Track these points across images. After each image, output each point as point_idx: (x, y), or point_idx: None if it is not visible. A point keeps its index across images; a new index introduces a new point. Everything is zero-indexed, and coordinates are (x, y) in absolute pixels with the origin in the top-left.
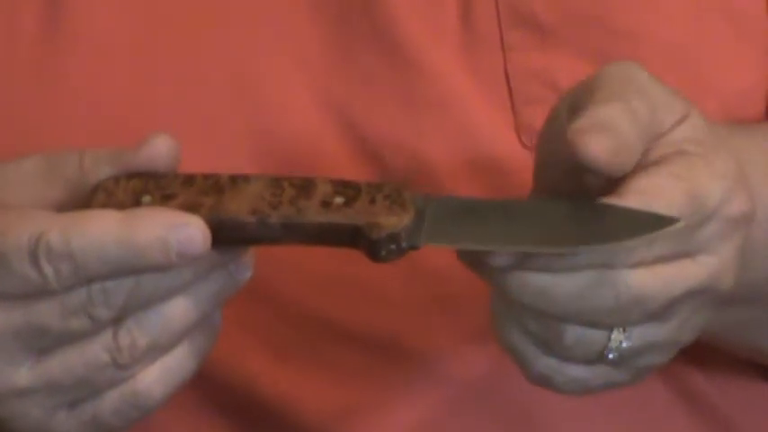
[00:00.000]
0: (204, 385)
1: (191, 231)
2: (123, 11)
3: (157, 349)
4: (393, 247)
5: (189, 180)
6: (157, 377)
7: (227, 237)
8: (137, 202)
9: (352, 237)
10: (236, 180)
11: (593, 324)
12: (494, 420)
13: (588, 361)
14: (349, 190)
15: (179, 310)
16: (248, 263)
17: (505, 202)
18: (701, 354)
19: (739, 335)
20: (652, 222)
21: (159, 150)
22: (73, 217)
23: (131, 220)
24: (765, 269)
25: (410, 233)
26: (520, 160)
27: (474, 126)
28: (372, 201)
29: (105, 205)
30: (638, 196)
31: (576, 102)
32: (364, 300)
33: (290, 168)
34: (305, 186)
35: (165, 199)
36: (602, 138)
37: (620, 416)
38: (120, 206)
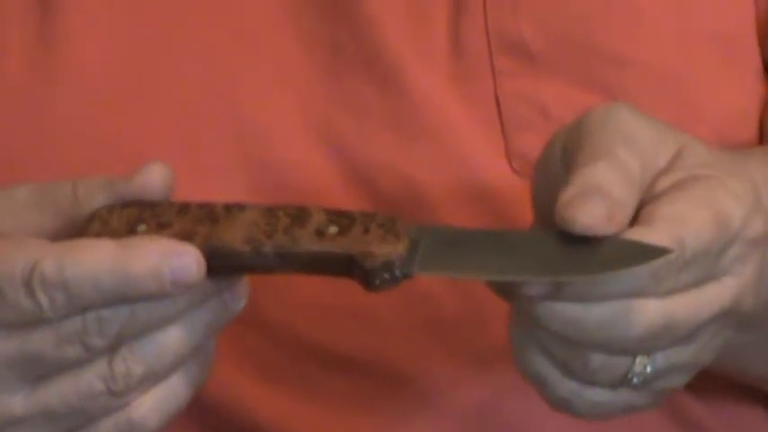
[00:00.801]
0: (195, 409)
1: (185, 260)
2: (113, 39)
3: (152, 378)
4: (387, 276)
5: (184, 209)
6: (152, 406)
7: (221, 265)
8: (132, 231)
9: (347, 266)
10: (230, 209)
11: (619, 351)
12: None
13: (611, 385)
14: (343, 219)
15: (174, 338)
16: (243, 292)
17: (500, 231)
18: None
19: (736, 361)
20: (645, 253)
21: (153, 179)
22: (67, 246)
23: (126, 249)
24: None
25: (404, 262)
26: (511, 186)
27: (465, 152)
28: (366, 230)
29: (100, 234)
30: (667, 224)
31: (567, 144)
32: (357, 326)
33: (283, 196)
34: (299, 216)
35: (161, 227)
36: (593, 206)
37: None
38: (115, 235)
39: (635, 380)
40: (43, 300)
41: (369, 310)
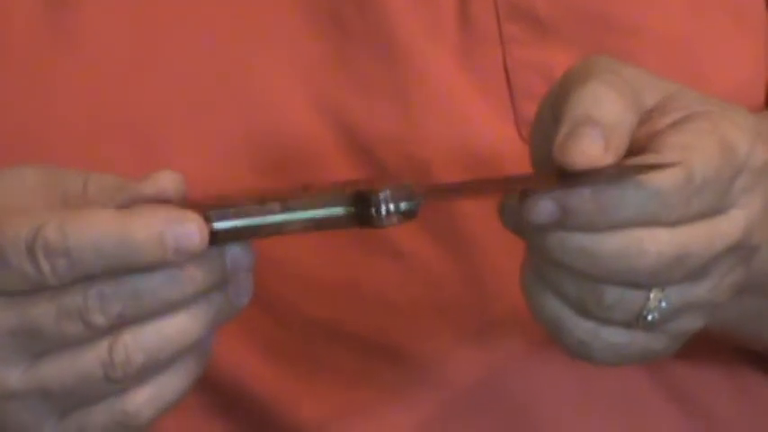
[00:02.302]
0: (201, 387)
1: (188, 227)
2: (121, 15)
3: (151, 368)
4: (392, 206)
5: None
6: (147, 398)
7: (226, 230)
8: None
9: (353, 208)
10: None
11: (633, 284)
12: (491, 423)
13: (627, 324)
14: (345, 184)
15: (176, 329)
16: (246, 288)
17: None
18: (693, 354)
19: (751, 327)
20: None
21: (165, 187)
22: (70, 212)
23: (129, 216)
24: None
25: (411, 193)
26: (520, 154)
27: (473, 122)
28: (369, 183)
29: None
30: (675, 151)
31: (554, 101)
32: (362, 304)
33: (289, 171)
34: (304, 186)
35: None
36: (587, 142)
37: (617, 417)
38: None
39: (650, 316)
40: (45, 266)
41: (374, 289)
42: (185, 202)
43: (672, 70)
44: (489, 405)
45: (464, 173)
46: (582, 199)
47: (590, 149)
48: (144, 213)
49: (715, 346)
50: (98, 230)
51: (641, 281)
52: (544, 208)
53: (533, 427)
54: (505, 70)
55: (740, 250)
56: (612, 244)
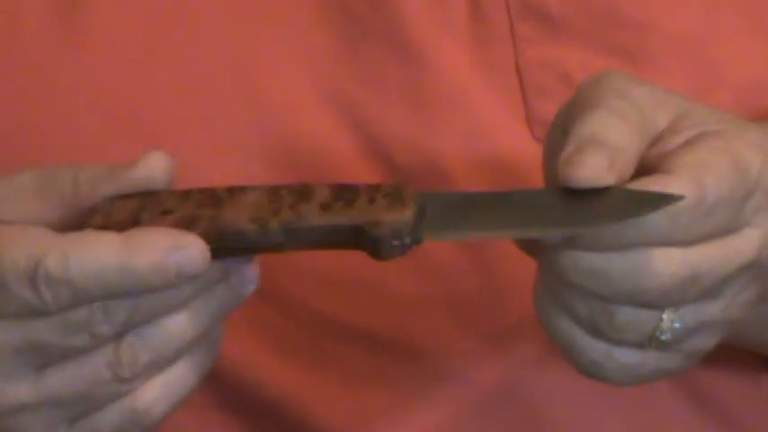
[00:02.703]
0: (213, 385)
1: (190, 253)
2: (130, 16)
3: (159, 364)
4: (395, 242)
5: (185, 195)
6: (158, 394)
7: (228, 247)
8: (135, 221)
9: (354, 237)
10: (232, 191)
11: (645, 305)
12: (506, 424)
13: (639, 344)
14: (347, 193)
15: (181, 324)
16: (251, 277)
17: (507, 192)
18: (713, 357)
19: (761, 335)
20: (655, 201)
21: (155, 167)
22: (70, 240)
23: (130, 244)
24: None
25: (412, 228)
26: (532, 153)
27: (485, 121)
28: (372, 200)
29: (103, 225)
30: (688, 170)
31: (566, 117)
32: (373, 300)
33: (300, 169)
34: (303, 192)
35: (163, 215)
36: (591, 158)
37: (633, 418)
38: (118, 226)
39: (663, 337)
40: (47, 296)
41: (386, 285)
42: (181, 198)
43: (684, 68)
44: (504, 405)
45: (477, 170)
46: None
47: (593, 164)
48: (145, 240)
49: (734, 350)
50: (100, 261)
51: (653, 301)
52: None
53: (549, 428)
54: (517, 68)
55: (754, 269)
56: (623, 264)
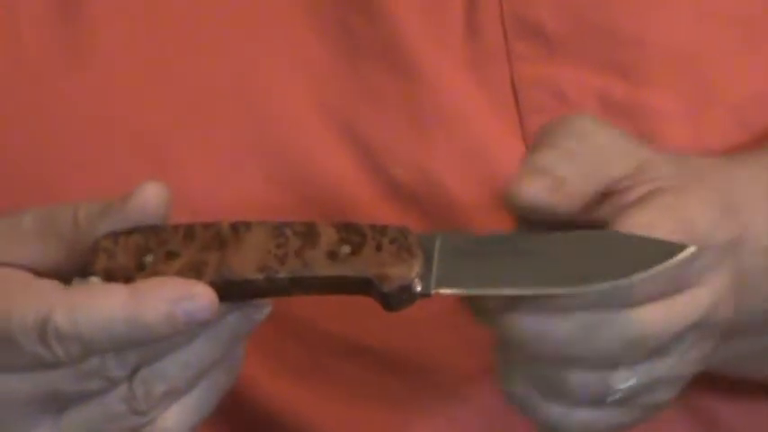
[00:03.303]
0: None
1: (198, 303)
2: (131, 28)
3: (175, 394)
4: (404, 297)
5: (189, 233)
6: (176, 420)
7: (235, 293)
8: (139, 264)
9: (362, 286)
10: (237, 229)
11: (596, 366)
12: None
13: (595, 403)
14: (354, 236)
15: (194, 354)
16: (265, 302)
17: (514, 235)
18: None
19: (742, 366)
20: (665, 250)
21: (151, 200)
22: (78, 294)
23: (137, 297)
24: (761, 300)
25: (420, 281)
26: None
27: (481, 138)
28: (379, 247)
29: (107, 268)
30: (637, 232)
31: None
32: (376, 318)
33: (299, 185)
34: (308, 234)
35: (169, 257)
36: (535, 178)
37: None
38: (123, 268)
39: (618, 395)
40: (58, 351)
41: None
42: (185, 237)
43: (680, 85)
44: (505, 424)
45: (475, 186)
46: None
47: (537, 184)
48: (153, 293)
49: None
50: (108, 315)
51: (602, 363)
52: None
53: None
54: (513, 86)
55: (703, 327)
56: (569, 327)
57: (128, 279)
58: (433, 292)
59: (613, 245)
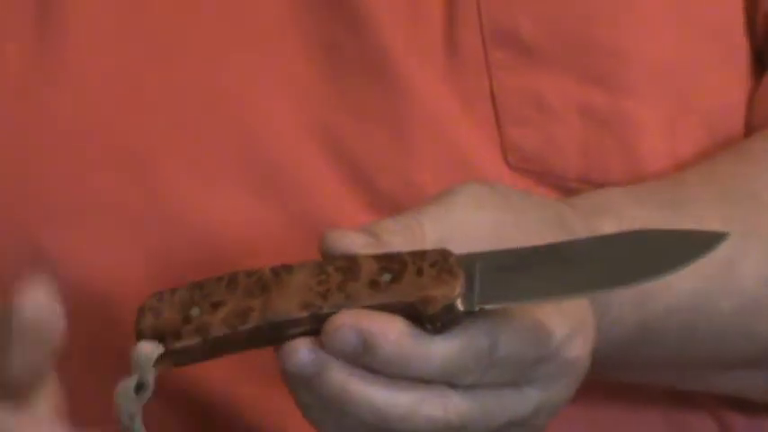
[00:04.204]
0: (194, 412)
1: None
2: (113, 41)
3: None
4: (449, 317)
5: (232, 282)
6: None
7: (281, 334)
8: (186, 318)
9: (406, 313)
10: (278, 273)
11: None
12: None
13: None
14: (394, 264)
15: None
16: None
17: (552, 246)
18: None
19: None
20: (704, 242)
21: (38, 302)
22: None
23: None
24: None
25: (464, 297)
26: (507, 181)
27: (462, 149)
28: (420, 272)
29: (155, 326)
30: (488, 321)
31: None
32: None
33: (283, 194)
34: (350, 269)
35: (215, 307)
36: (358, 235)
37: None
38: (170, 323)
39: None
40: None
41: None
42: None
43: (657, 95)
44: None
45: None
46: (386, 340)
47: (356, 238)
48: None
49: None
50: None
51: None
52: (347, 337)
53: None
54: (492, 96)
55: (523, 426)
56: (404, 402)
57: (176, 334)
58: (477, 308)
59: (653, 241)
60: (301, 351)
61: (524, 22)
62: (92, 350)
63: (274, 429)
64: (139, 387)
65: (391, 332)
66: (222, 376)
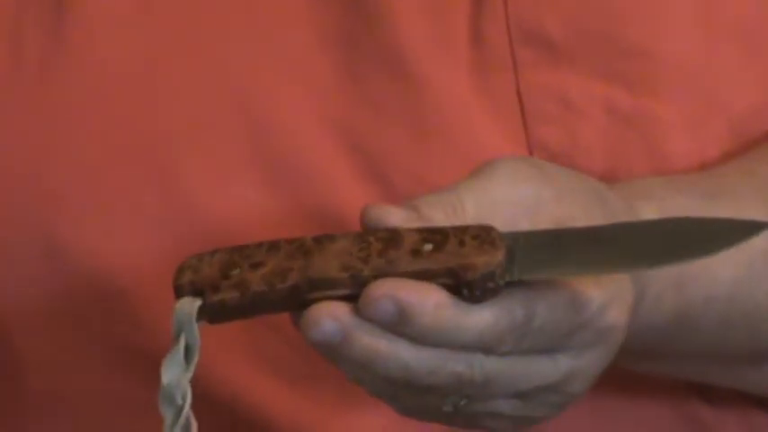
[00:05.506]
0: (208, 405)
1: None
2: (128, 38)
3: None
4: (490, 284)
5: (274, 246)
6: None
7: (319, 296)
8: (225, 276)
9: (447, 281)
10: (320, 240)
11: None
12: None
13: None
14: (436, 236)
15: None
16: None
17: (592, 227)
18: (713, 390)
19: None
20: (744, 229)
21: None
22: None
23: None
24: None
25: (504, 269)
26: None
27: (485, 146)
28: (462, 243)
29: (193, 281)
30: (524, 293)
31: None
32: None
33: (299, 188)
34: (391, 239)
35: (254, 267)
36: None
37: None
38: (209, 278)
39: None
40: None
41: None
42: (270, 250)
43: (683, 96)
44: None
45: None
46: (423, 311)
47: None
48: None
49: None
50: None
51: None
52: (385, 306)
53: None
54: (518, 94)
55: (553, 392)
56: (431, 357)
57: (214, 288)
58: (516, 278)
59: (694, 227)
60: (324, 320)
61: (551, 21)
62: (107, 342)
63: (287, 422)
64: (187, 351)
65: (429, 302)
66: (236, 371)
